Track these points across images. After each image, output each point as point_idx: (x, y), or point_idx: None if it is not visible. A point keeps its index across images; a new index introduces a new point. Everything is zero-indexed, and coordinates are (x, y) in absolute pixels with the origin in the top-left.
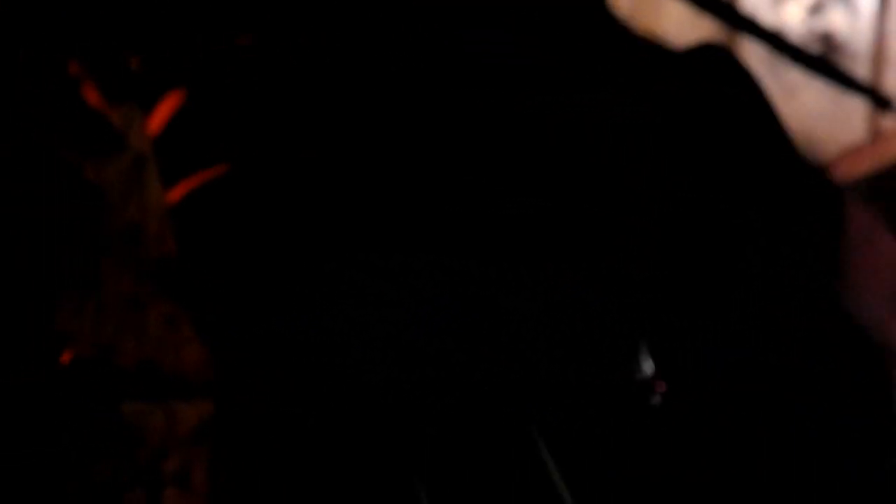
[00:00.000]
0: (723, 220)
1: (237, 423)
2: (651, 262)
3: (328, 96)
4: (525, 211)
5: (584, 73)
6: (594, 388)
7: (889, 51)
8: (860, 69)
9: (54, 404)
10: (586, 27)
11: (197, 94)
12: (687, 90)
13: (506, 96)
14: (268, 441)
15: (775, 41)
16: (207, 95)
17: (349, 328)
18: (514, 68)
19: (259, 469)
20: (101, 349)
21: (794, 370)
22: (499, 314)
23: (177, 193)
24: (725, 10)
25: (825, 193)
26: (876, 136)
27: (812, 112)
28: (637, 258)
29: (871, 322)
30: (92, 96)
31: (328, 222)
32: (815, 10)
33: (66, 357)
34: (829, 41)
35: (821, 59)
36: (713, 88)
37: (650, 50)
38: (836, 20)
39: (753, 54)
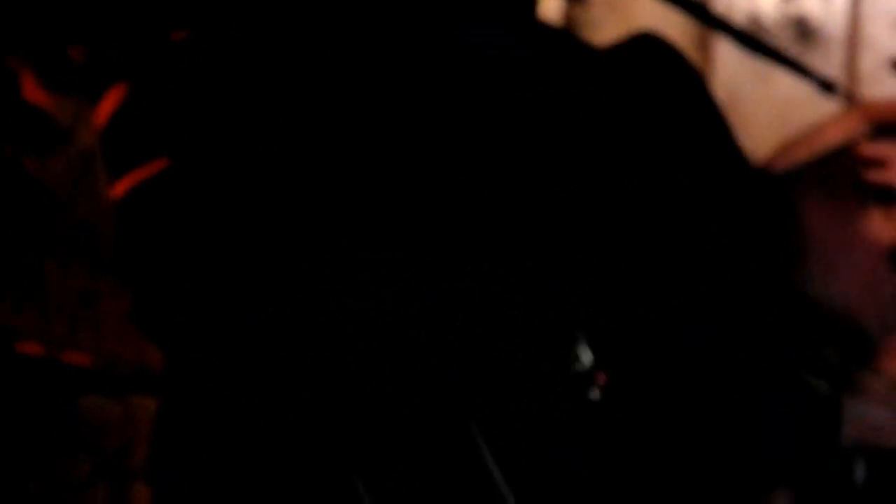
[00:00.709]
0: (663, 211)
1: (183, 414)
2: (591, 252)
3: (279, 87)
4: (473, 201)
5: (541, 68)
6: (532, 381)
7: (863, 34)
8: (834, 53)
9: (4, 402)
10: (523, 27)
11: (140, 87)
12: (625, 78)
13: (470, 90)
14: (212, 433)
15: (743, 38)
16: (150, 88)
17: (292, 320)
18: (482, 61)
19: (201, 460)
20: (53, 345)
21: (735, 358)
22: (436, 305)
23: (121, 187)
24: (696, 7)
25: (760, 182)
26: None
27: (787, 97)
28: (577, 249)
29: (842, 308)
30: (32, 90)
31: (278, 212)
32: None
33: (10, 353)
34: (803, 26)
35: (778, 50)
36: (648, 74)
37: (581, 44)
38: (810, 5)
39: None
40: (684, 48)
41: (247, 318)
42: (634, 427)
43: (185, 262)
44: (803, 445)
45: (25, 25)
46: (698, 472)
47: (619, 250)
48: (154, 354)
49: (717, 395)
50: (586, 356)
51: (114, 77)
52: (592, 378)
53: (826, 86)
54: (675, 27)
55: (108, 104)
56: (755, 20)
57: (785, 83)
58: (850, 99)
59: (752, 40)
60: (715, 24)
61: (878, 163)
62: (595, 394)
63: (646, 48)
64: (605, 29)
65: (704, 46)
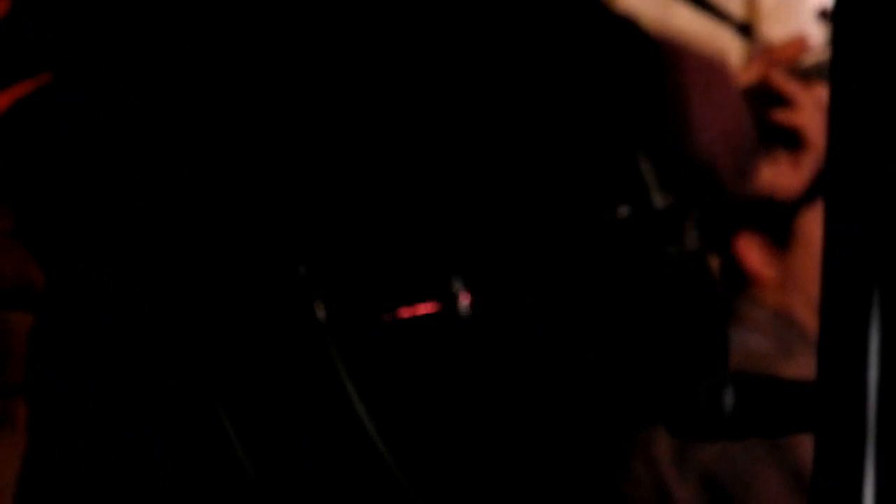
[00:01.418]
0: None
1: (62, 331)
2: (463, 183)
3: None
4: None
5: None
6: (397, 297)
7: None
8: None
9: None
10: None
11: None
12: None
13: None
14: (90, 351)
15: None
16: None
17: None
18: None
19: (79, 378)
20: None
21: (605, 284)
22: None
23: (2, 101)
24: None
25: (641, 47)
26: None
27: (686, 30)
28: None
29: (704, 160)
30: None
31: (161, 127)
32: None
33: None
34: None
35: None
36: None
37: None
38: None
39: None
40: None
41: (123, 237)
42: (501, 350)
43: (65, 177)
44: (685, 375)
45: None
46: (572, 401)
47: (492, 177)
48: (36, 272)
49: (593, 313)
50: (457, 283)
51: None
52: (456, 297)
53: (726, 19)
54: None
55: None
56: None
57: (685, 15)
58: (750, 34)
59: None
60: None
61: (786, 103)
62: (465, 308)
63: None
64: None
65: None
